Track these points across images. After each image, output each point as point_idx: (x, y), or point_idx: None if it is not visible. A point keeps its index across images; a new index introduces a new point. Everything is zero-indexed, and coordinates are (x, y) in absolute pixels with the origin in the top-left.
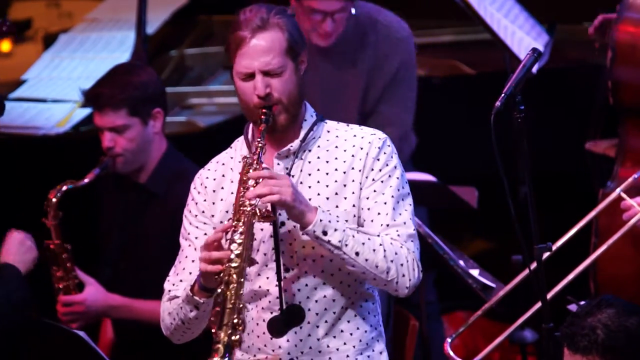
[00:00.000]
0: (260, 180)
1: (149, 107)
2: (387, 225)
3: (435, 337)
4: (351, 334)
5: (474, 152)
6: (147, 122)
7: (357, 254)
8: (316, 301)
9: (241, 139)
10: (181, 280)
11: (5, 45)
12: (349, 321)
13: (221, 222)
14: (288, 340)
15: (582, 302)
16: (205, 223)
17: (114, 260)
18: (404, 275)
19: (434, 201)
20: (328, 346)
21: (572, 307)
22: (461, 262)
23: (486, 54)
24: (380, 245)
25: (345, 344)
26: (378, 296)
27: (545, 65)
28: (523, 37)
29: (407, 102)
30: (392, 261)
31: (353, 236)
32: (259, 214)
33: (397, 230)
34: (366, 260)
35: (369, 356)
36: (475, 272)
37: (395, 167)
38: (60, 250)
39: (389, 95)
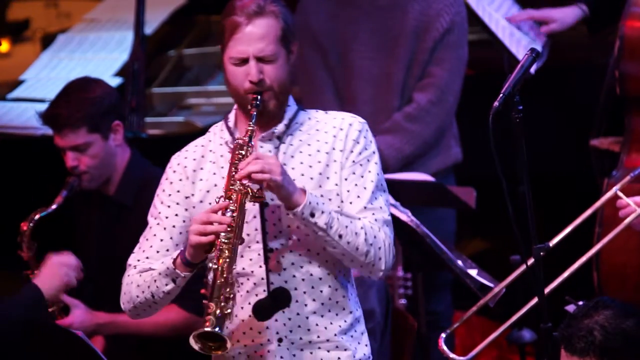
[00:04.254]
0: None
1: (108, 121)
2: (365, 207)
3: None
4: (337, 314)
5: (473, 152)
6: (108, 136)
7: (340, 236)
8: (303, 279)
9: (220, 124)
10: (147, 257)
11: (4, 46)
12: (337, 301)
13: (201, 201)
14: (276, 320)
15: (580, 303)
16: (177, 203)
17: (93, 277)
18: (380, 259)
19: (432, 201)
20: (317, 324)
21: (570, 308)
22: (459, 262)
23: (484, 54)
24: (362, 228)
25: (331, 323)
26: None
27: (545, 64)
28: (521, 38)
29: (457, 65)
30: (371, 244)
31: (337, 219)
32: (250, 193)
33: (373, 214)
34: (348, 242)
35: (352, 336)
36: (473, 272)
37: (374, 152)
38: None
39: (438, 56)
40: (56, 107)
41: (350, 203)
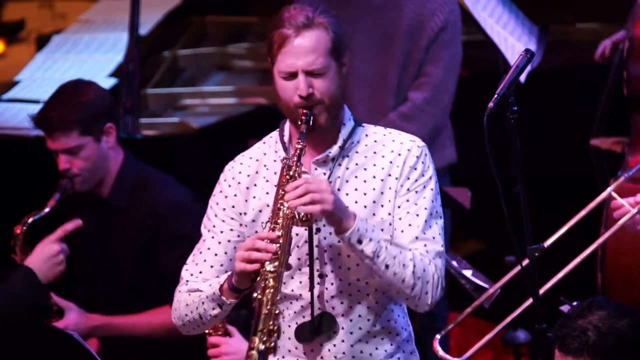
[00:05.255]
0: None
1: (100, 124)
2: (416, 237)
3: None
4: (382, 339)
5: (467, 152)
6: (100, 139)
7: (387, 266)
8: (350, 307)
9: (274, 134)
10: (200, 272)
11: None
12: (383, 327)
13: (253, 220)
14: (321, 345)
15: (575, 303)
16: (232, 218)
17: (88, 279)
18: (427, 293)
19: None
20: (361, 352)
21: (565, 308)
22: (454, 263)
23: (479, 55)
24: (411, 260)
25: (377, 348)
26: None
27: (541, 65)
28: (515, 44)
29: (452, 63)
30: (419, 278)
31: (386, 248)
32: (297, 217)
33: (425, 245)
34: (394, 273)
35: (399, 358)
36: (468, 273)
37: (431, 177)
38: None
39: (433, 55)
40: (48, 110)
41: (402, 231)
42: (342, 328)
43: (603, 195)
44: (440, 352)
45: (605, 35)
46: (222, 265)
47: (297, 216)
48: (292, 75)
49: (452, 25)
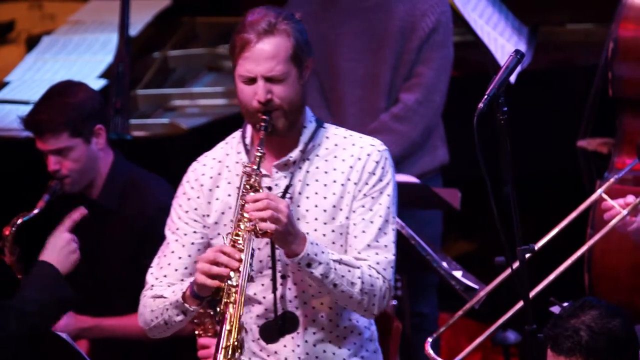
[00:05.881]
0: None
1: (90, 125)
2: (369, 245)
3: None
4: (345, 338)
5: (457, 153)
6: (90, 140)
7: (335, 285)
8: (313, 307)
9: (237, 134)
10: (165, 276)
11: None
12: (345, 327)
13: (216, 222)
14: (285, 346)
15: (565, 304)
16: (196, 221)
17: (78, 281)
18: (373, 305)
19: (416, 202)
20: (324, 351)
21: (555, 309)
22: (444, 264)
23: (469, 55)
24: (359, 278)
25: (340, 347)
26: None
27: (530, 66)
28: (505, 45)
29: (443, 64)
30: (366, 293)
31: (335, 269)
32: (257, 230)
33: (376, 253)
34: (342, 292)
35: (362, 357)
36: (458, 274)
37: (388, 183)
38: None
39: (425, 56)
40: (38, 111)
41: (355, 237)
42: (306, 328)
43: (593, 197)
44: (432, 354)
45: (593, 36)
46: (186, 268)
47: (257, 229)
48: (252, 80)
49: (444, 26)
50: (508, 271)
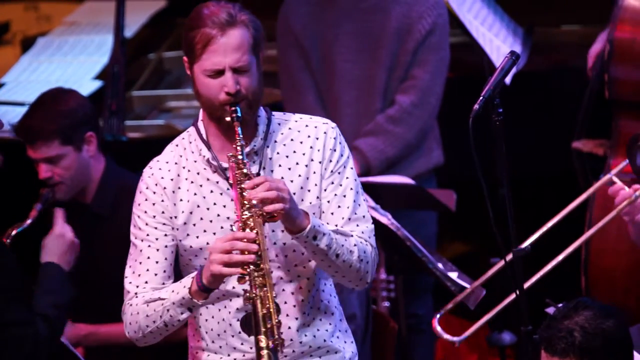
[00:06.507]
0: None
1: (81, 132)
2: (349, 219)
3: (420, 348)
4: (321, 320)
5: (453, 154)
6: (81, 148)
7: (337, 255)
8: (292, 293)
9: (185, 135)
10: (146, 282)
11: None
12: (319, 308)
13: (185, 223)
14: None
15: (560, 305)
16: (164, 224)
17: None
18: (367, 272)
19: (412, 204)
20: (305, 335)
21: (550, 310)
22: (440, 265)
23: (465, 56)
24: (355, 245)
25: (318, 330)
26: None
27: (526, 67)
28: (500, 46)
29: (439, 66)
30: (361, 260)
31: (335, 239)
32: (265, 214)
33: (358, 225)
34: (344, 261)
35: (338, 337)
36: (453, 275)
37: (348, 157)
38: None
39: (421, 58)
40: (29, 119)
41: (332, 214)
42: (287, 315)
43: (604, 179)
44: (439, 330)
45: (589, 37)
46: (164, 271)
47: (264, 213)
48: (219, 73)
49: (440, 29)
50: (502, 265)
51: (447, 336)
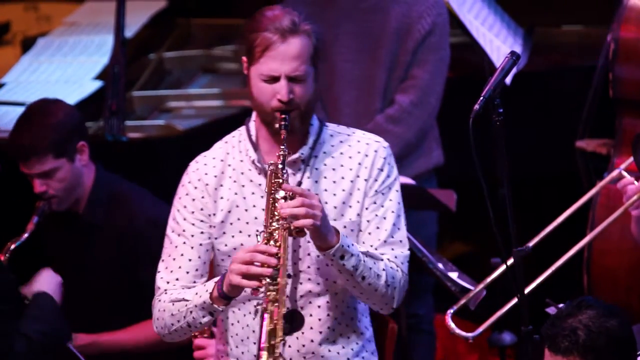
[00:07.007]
0: (294, 195)
1: (73, 143)
2: (385, 241)
3: (421, 348)
4: (349, 337)
5: (453, 154)
6: (74, 159)
7: (363, 277)
8: (319, 306)
9: (236, 134)
10: (177, 279)
11: None
12: (348, 325)
13: (222, 221)
14: (290, 346)
15: (560, 305)
16: (202, 221)
17: (68, 297)
18: (393, 298)
19: (412, 204)
20: (329, 351)
21: (551, 310)
22: (440, 265)
23: (465, 56)
24: (384, 270)
25: (343, 347)
26: None
27: (528, 66)
28: (500, 46)
29: (439, 66)
30: (389, 285)
31: (364, 261)
32: (292, 229)
33: (393, 249)
34: (369, 284)
35: (363, 357)
36: (454, 275)
37: (396, 178)
38: None
39: (420, 57)
40: (19, 137)
41: (369, 234)
42: (311, 328)
43: (614, 173)
44: (452, 326)
45: (588, 38)
46: (197, 270)
47: (291, 227)
48: (274, 79)
49: (440, 29)
50: (504, 267)
51: (460, 332)
